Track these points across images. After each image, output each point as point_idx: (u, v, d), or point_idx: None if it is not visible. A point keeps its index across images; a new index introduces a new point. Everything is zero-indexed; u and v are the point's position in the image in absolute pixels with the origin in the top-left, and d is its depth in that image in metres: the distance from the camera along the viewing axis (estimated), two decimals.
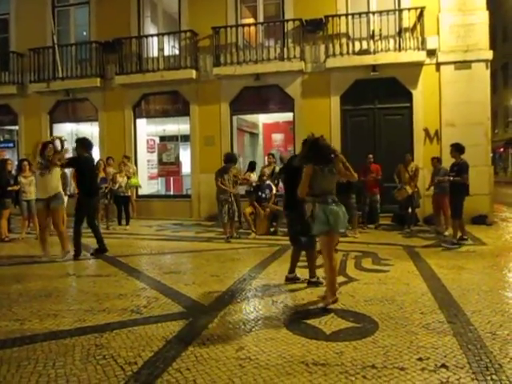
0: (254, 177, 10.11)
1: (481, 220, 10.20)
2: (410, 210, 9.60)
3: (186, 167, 13.64)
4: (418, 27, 10.76)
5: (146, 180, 13.65)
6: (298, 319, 4.16)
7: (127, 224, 10.62)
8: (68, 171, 9.65)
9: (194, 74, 12.23)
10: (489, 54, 10.69)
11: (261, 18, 12.32)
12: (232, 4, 12.27)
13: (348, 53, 11.12)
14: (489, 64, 10.76)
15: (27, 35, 13.68)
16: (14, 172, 9.82)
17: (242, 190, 10.14)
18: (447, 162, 8.65)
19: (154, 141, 14.36)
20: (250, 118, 13.96)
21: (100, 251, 7.39)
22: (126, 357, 3.35)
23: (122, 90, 12.98)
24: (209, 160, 12.08)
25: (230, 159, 9.05)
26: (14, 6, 14.13)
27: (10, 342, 3.68)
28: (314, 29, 11.43)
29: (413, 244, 8.08)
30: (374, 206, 9.94)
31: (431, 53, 10.80)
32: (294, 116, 12.01)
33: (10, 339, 3.73)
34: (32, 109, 13.83)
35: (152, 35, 12.95)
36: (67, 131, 14.48)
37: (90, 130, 14.34)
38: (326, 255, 4.53)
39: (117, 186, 10.38)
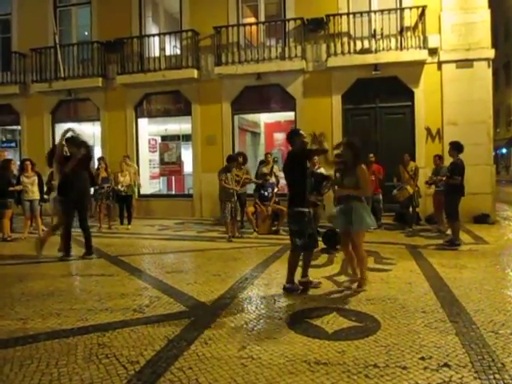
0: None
1: (483, 219, 10.19)
2: (410, 209, 9.59)
3: (187, 167, 13.66)
4: (420, 26, 10.74)
5: (148, 179, 13.68)
6: (300, 318, 4.16)
7: (129, 223, 10.63)
8: None
9: (195, 73, 12.23)
10: (491, 53, 10.67)
11: (262, 18, 12.32)
12: (233, 3, 12.27)
13: (349, 52, 11.11)
14: (491, 63, 10.75)
15: (29, 35, 13.71)
16: (16, 172, 9.84)
17: (249, 189, 10.16)
18: (448, 160, 8.63)
19: (156, 140, 14.37)
20: (251, 117, 13.98)
21: (85, 254, 7.22)
22: (129, 356, 3.36)
23: (123, 89, 12.99)
24: (210, 159, 12.10)
25: (231, 159, 9.19)
26: (16, 6, 14.15)
27: (13, 341, 3.69)
28: (316, 28, 11.43)
29: (415, 243, 8.07)
30: (376, 206, 9.92)
31: (433, 51, 10.79)
32: (295, 115, 12.01)
33: (12, 338, 3.75)
34: (34, 109, 13.87)
35: (153, 35, 12.96)
36: None
37: (91, 129, 14.39)
38: (361, 247, 5.03)
39: (119, 185, 10.40)
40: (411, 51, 10.74)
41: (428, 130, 10.99)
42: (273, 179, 9.93)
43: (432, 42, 10.75)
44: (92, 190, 9.29)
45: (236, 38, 12.01)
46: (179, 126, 14.39)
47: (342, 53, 11.12)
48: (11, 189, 9.08)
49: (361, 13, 11.08)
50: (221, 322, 4.10)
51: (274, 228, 9.48)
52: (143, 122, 13.55)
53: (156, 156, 13.90)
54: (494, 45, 11.14)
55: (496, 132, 32.40)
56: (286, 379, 2.98)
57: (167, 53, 12.86)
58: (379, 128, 11.35)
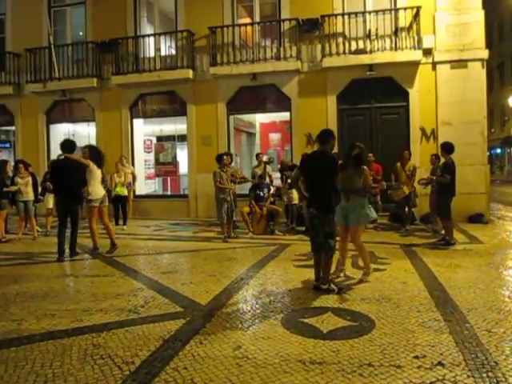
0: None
1: (477, 218, 10.24)
2: (406, 209, 9.60)
3: (183, 167, 13.63)
4: (414, 26, 10.79)
5: (144, 180, 13.65)
6: (295, 318, 4.17)
7: (124, 224, 10.61)
8: None
9: (190, 73, 12.23)
10: (485, 53, 10.73)
11: (257, 18, 12.33)
12: (228, 4, 12.28)
13: (344, 52, 11.14)
14: (485, 63, 10.81)
15: (23, 35, 13.65)
16: (10, 173, 9.80)
17: (244, 189, 10.15)
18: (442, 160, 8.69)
19: (151, 141, 14.34)
20: (246, 117, 13.99)
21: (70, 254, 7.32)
22: (124, 356, 3.36)
23: (118, 90, 12.97)
24: (206, 160, 12.05)
25: (217, 159, 9.19)
26: (10, 6, 14.09)
27: (8, 342, 3.68)
28: (311, 28, 11.45)
29: (409, 242, 8.10)
30: (374, 207, 9.87)
31: (427, 52, 10.84)
32: (290, 115, 12.03)
33: (7, 339, 3.74)
34: (29, 109, 13.82)
35: (148, 35, 12.93)
36: (64, 132, 14.45)
37: (86, 130, 14.34)
38: (360, 240, 5.51)
39: (117, 188, 10.40)
40: (406, 52, 10.78)
41: (423, 130, 11.04)
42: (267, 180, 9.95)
43: (426, 43, 10.80)
44: None
45: (231, 38, 12.01)
46: (174, 126, 14.37)
47: (337, 53, 11.15)
48: (5, 189, 9.05)
49: (356, 13, 11.12)
50: (216, 322, 4.11)
51: (269, 228, 9.50)
52: (138, 123, 13.52)
53: (151, 156, 13.87)
54: (488, 45, 11.21)
55: (490, 132, 32.58)
56: (281, 379, 2.99)
57: (162, 53, 12.84)
58: (374, 128, 11.39)
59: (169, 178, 14.38)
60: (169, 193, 14.49)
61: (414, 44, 10.75)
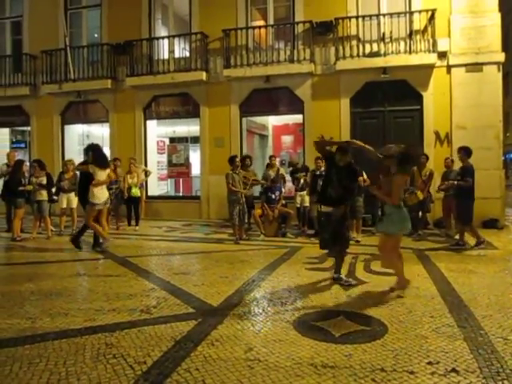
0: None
1: (492, 224, 10.10)
2: (420, 213, 9.50)
3: (195, 169, 13.70)
4: (429, 29, 10.69)
5: (156, 181, 13.74)
6: (307, 321, 4.15)
7: (137, 225, 10.68)
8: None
9: (204, 75, 12.28)
10: (501, 57, 10.60)
11: (271, 21, 12.35)
12: (242, 6, 12.32)
13: (358, 55, 11.09)
14: (501, 66, 10.66)
15: (40, 37, 13.83)
16: (26, 174, 9.93)
17: (255, 191, 10.15)
18: (459, 164, 8.58)
19: (164, 142, 14.44)
20: (259, 119, 14.00)
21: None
22: (136, 356, 3.38)
23: (132, 91, 13.07)
24: (218, 161, 12.08)
25: (230, 161, 9.06)
26: (28, 8, 14.29)
27: (22, 339, 3.73)
28: (324, 31, 11.42)
29: (422, 247, 8.02)
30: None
31: (442, 55, 10.74)
32: (303, 118, 12.01)
33: (21, 337, 3.78)
34: (44, 110, 13.99)
35: (163, 37, 13.00)
36: (78, 132, 14.63)
37: (100, 131, 14.49)
38: (384, 249, 5.23)
39: (131, 189, 10.56)
40: (420, 55, 10.70)
41: (437, 134, 10.93)
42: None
43: (441, 46, 10.70)
44: None
45: (245, 40, 12.05)
46: (187, 128, 14.45)
47: (351, 56, 11.11)
48: (21, 188, 9.17)
49: (370, 16, 11.06)
50: (227, 323, 4.11)
51: (281, 231, 9.48)
52: (152, 124, 13.61)
53: (164, 158, 13.96)
54: (504, 48, 11.06)
55: (506, 136, 32.12)
56: (293, 382, 2.98)
57: (176, 55, 12.92)
58: (388, 132, 11.29)
59: (181, 180, 14.46)
60: (181, 194, 14.57)
61: (429, 47, 10.65)
